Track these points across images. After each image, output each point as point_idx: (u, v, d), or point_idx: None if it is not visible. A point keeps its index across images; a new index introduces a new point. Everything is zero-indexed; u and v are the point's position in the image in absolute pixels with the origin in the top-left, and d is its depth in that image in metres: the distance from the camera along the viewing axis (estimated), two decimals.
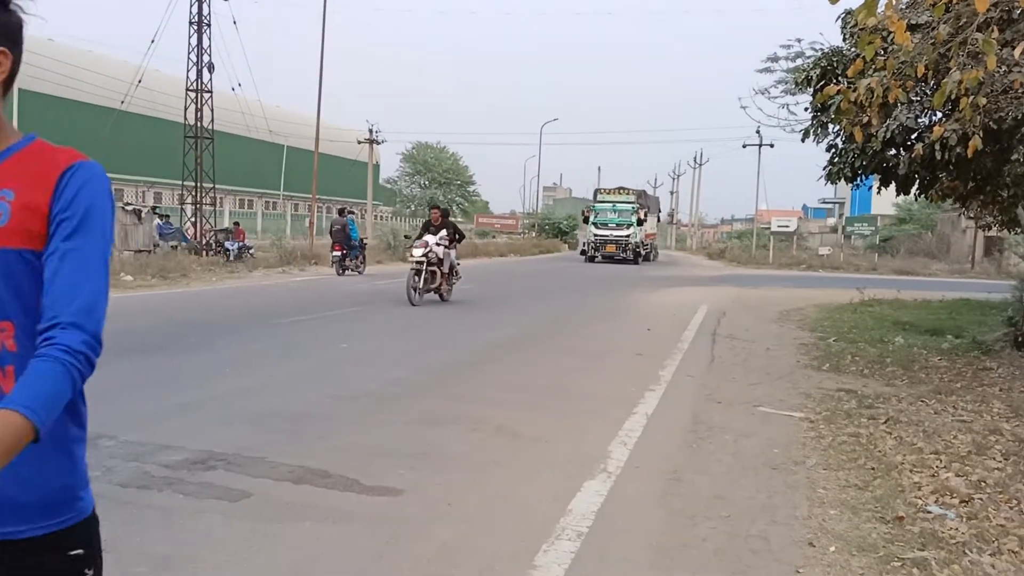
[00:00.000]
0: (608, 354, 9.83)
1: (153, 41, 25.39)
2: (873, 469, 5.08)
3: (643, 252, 38.94)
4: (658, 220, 51.66)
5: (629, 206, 38.60)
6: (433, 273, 14.46)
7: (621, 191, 40.23)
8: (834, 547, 3.88)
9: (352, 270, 22.27)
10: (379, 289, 18.31)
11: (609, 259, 37.31)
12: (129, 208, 22.95)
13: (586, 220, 40.80)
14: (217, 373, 7.57)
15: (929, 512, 4.35)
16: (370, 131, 46.30)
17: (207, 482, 4.40)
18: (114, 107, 33.49)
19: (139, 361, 8.01)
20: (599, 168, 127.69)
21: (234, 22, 26.79)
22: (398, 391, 7.06)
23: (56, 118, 50.79)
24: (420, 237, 14.91)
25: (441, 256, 14.60)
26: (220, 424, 5.63)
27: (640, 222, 38.23)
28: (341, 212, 23.17)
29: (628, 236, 37.47)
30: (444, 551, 3.70)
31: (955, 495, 4.59)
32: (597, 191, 41.52)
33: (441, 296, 14.97)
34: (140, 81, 26.56)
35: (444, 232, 14.80)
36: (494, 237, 64.01)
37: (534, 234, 61.28)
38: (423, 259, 14.29)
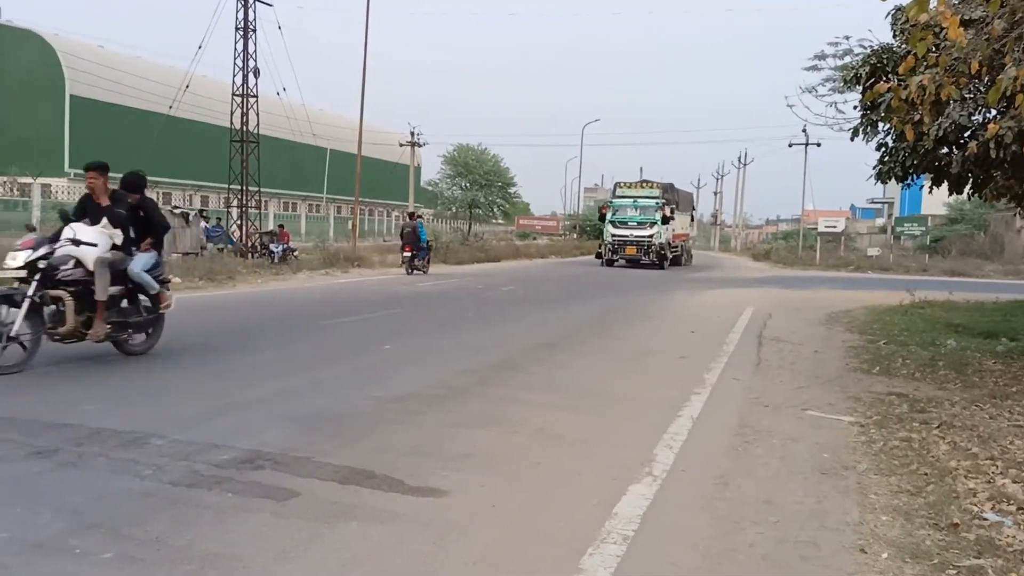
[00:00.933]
0: (651, 356, 9.75)
1: (200, 47, 25.85)
2: (926, 475, 4.97)
3: (669, 255, 34.16)
4: (692, 219, 45.09)
5: (652, 202, 33.59)
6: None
7: (644, 184, 35.14)
8: (886, 554, 3.79)
9: (419, 270, 24.40)
10: (418, 291, 18.42)
11: (631, 263, 33.41)
12: (177, 212, 23.38)
13: (603, 218, 35.64)
14: (263, 374, 7.66)
15: (985, 519, 4.23)
16: (412, 133, 46.62)
17: (255, 481, 4.46)
18: (162, 112, 34.14)
19: (188, 361, 8.15)
20: (641, 168, 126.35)
21: (279, 27, 27.20)
22: (440, 392, 7.08)
23: (106, 124, 52.01)
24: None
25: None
26: (267, 424, 5.69)
27: (666, 220, 33.27)
28: (411, 216, 26.18)
29: (651, 236, 32.94)
30: (489, 553, 3.69)
31: (1012, 502, 4.46)
32: (616, 185, 35.90)
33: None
34: (188, 87, 27.06)
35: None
36: (535, 239, 63.97)
37: (575, 235, 61.07)
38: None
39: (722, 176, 79.89)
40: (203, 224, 25.32)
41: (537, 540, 3.89)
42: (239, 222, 26.98)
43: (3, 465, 4.56)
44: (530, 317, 13.80)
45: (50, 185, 37.26)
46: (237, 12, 25.88)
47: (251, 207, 26.90)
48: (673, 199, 35.72)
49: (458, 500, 4.35)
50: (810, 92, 11.65)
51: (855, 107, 9.83)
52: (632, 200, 34.15)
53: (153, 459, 4.74)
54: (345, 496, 4.31)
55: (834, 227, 47.94)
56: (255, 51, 25.96)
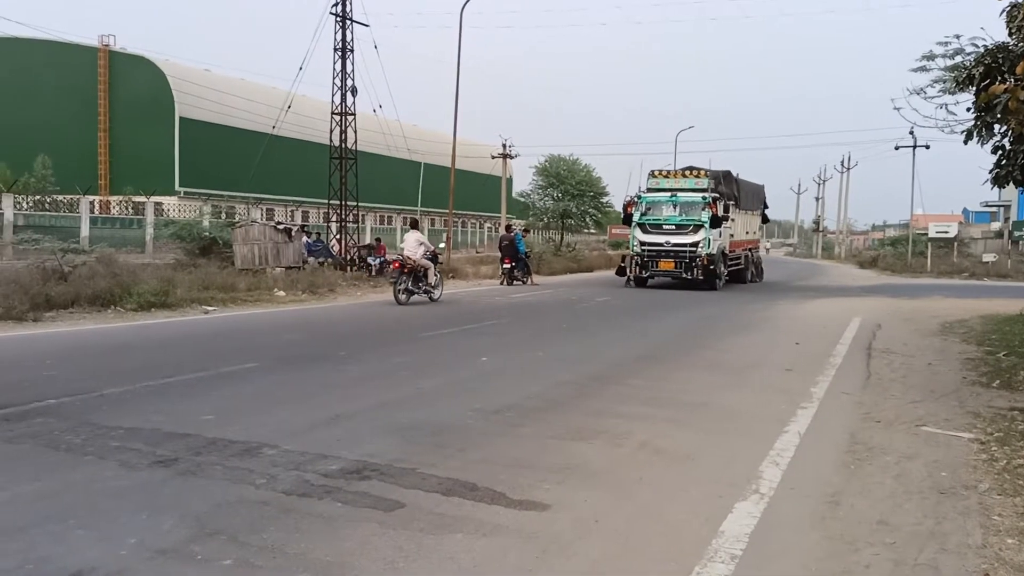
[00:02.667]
0: (754, 369, 9.52)
1: (301, 68, 26.92)
2: None
3: (724, 269, 25.13)
4: (764, 220, 33.81)
5: (698, 197, 24.07)
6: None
7: (688, 173, 25.25)
8: None
9: (519, 280, 25.54)
10: (514, 303, 18.51)
11: (670, 279, 24.61)
12: (280, 227, 24.22)
13: (627, 219, 25.57)
14: (366, 385, 7.85)
15: None
16: (504, 145, 47.02)
17: (363, 491, 4.56)
18: (265, 132, 35.46)
19: (296, 373, 8.43)
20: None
21: (375, 46, 27.93)
22: (539, 405, 7.09)
23: (213, 144, 54.47)
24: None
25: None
26: (372, 435, 5.82)
27: (717, 220, 23.82)
28: (508, 228, 27.57)
29: (695, 244, 23.65)
30: (594, 569, 3.67)
31: None
32: (650, 175, 25.90)
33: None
34: (290, 107, 28.05)
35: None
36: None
37: None
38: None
39: (824, 181, 77.46)
40: (304, 239, 26.16)
41: (643, 557, 3.84)
42: (338, 236, 27.76)
43: (130, 473, 4.81)
44: (626, 328, 13.68)
45: (162, 203, 39.18)
46: (336, 33, 26.70)
47: (349, 221, 27.65)
48: (730, 192, 26.36)
49: (561, 514, 4.34)
50: (918, 94, 11.16)
51: (968, 109, 9.36)
52: (669, 194, 24.58)
53: (266, 468, 4.92)
54: (449, 508, 4.37)
55: (946, 232, 45.77)
56: (353, 70, 26.72)
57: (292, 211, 51.64)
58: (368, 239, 32.92)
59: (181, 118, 54.81)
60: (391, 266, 18.77)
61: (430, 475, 4.89)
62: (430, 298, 17.82)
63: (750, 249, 29.92)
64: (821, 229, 78.15)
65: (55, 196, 36.24)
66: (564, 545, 3.92)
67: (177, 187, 52.67)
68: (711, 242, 23.63)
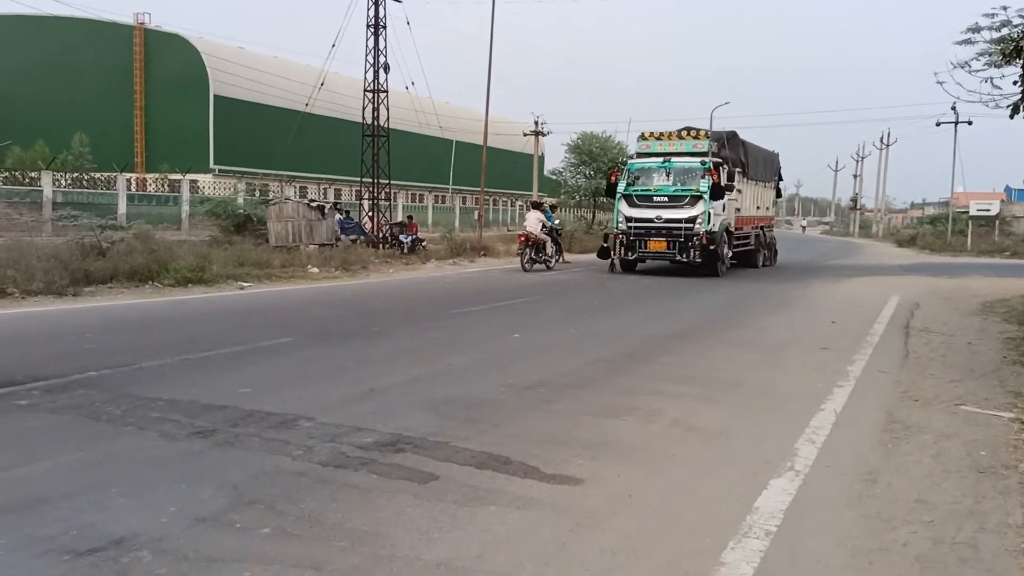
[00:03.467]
0: (789, 347, 9.42)
1: (334, 45, 26.94)
2: None
3: (728, 251, 21.18)
4: (778, 193, 28.83)
5: (696, 162, 20.06)
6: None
7: (685, 134, 20.90)
8: None
9: (544, 262, 23.81)
10: (545, 280, 18.48)
11: (665, 261, 20.78)
12: (313, 204, 24.37)
13: (610, 190, 21.61)
14: (400, 360, 7.91)
15: None
16: (536, 123, 46.78)
17: (397, 463, 4.60)
18: (299, 110, 35.63)
19: (330, 348, 8.51)
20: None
21: (407, 23, 27.85)
22: (571, 381, 7.09)
23: (247, 122, 54.84)
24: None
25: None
26: (405, 409, 5.86)
27: (718, 191, 19.72)
28: (537, 205, 25.33)
29: (692, 220, 19.62)
30: (628, 543, 3.67)
31: None
32: (640, 137, 21.79)
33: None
34: (323, 84, 28.13)
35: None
36: None
37: None
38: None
39: (862, 158, 76.09)
40: (337, 216, 26.31)
41: (676, 532, 3.84)
42: (370, 214, 27.87)
43: (169, 443, 4.90)
44: (658, 306, 13.61)
45: (197, 181, 39.60)
46: (368, 10, 26.65)
47: (381, 199, 27.74)
48: (736, 158, 22.25)
49: (594, 489, 4.35)
50: (962, 67, 10.86)
51: (1015, 82, 9.12)
52: (661, 160, 20.59)
53: (302, 440, 4.98)
54: (482, 481, 4.39)
55: (987, 210, 44.76)
56: (385, 47, 26.67)
57: (325, 189, 51.95)
58: (400, 217, 33.04)
59: (215, 96, 55.21)
60: (518, 240, 22.96)
61: (463, 448, 4.91)
62: (547, 266, 21.91)
63: (762, 227, 25.45)
64: (859, 207, 76.90)
65: (93, 174, 36.82)
66: (598, 519, 3.92)
67: (212, 165, 53.20)
68: (711, 217, 19.53)
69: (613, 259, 20.97)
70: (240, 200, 31.31)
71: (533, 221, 21.89)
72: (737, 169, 22.00)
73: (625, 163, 21.62)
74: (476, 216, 31.14)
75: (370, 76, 26.78)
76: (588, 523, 3.87)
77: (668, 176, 20.30)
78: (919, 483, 4.59)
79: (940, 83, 12.62)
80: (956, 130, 44.26)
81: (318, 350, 8.40)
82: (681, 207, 19.76)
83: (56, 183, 29.84)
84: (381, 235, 26.74)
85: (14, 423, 5.27)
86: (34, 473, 4.33)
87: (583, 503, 4.13)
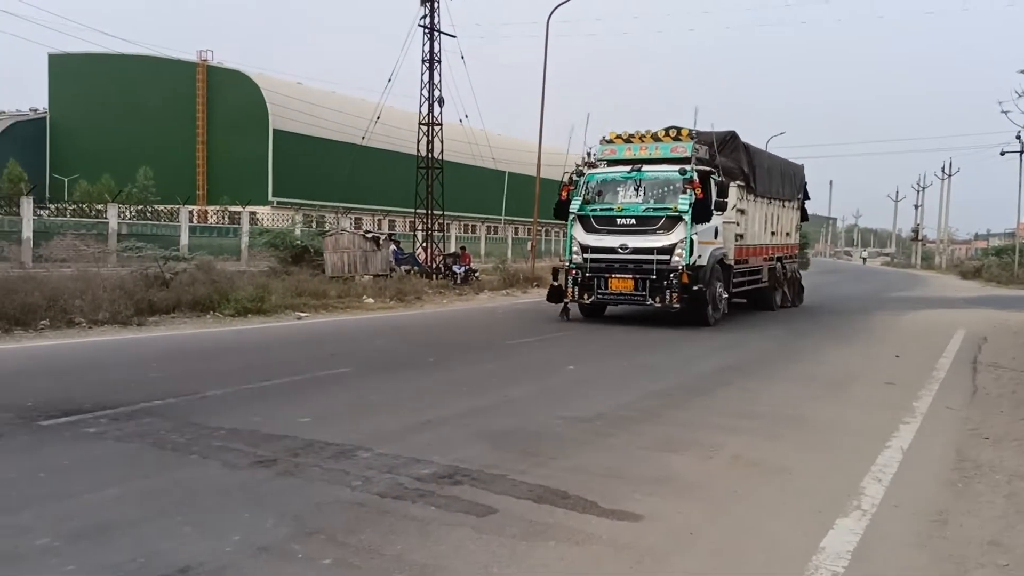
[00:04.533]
0: (851, 382, 9.21)
1: (390, 80, 27.36)
2: None
3: (718, 291, 15.39)
4: (802, 216, 22.62)
5: (675, 170, 14.68)
6: None
7: (665, 135, 15.39)
8: None
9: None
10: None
11: (632, 306, 15.58)
12: (368, 235, 24.72)
13: (561, 210, 15.74)
14: (455, 392, 7.92)
15: None
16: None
17: (455, 496, 4.60)
18: (354, 142, 36.24)
19: (386, 379, 8.58)
20: (831, 182, 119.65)
21: (461, 57, 28.27)
22: (628, 415, 7.02)
23: (304, 155, 56.10)
24: None
25: None
26: (462, 441, 5.87)
27: (705, 210, 14.39)
28: None
29: (668, 249, 14.37)
30: None
31: None
32: (603, 139, 16.33)
33: None
34: (379, 118, 28.64)
35: None
36: None
37: None
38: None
39: (923, 188, 74.45)
40: (392, 247, 26.66)
41: (741, 571, 3.76)
42: (424, 244, 28.17)
43: (232, 472, 4.97)
44: (713, 339, 13.43)
45: (256, 213, 40.55)
46: (423, 45, 27.15)
47: (435, 230, 28.03)
48: (735, 167, 16.92)
49: (654, 525, 4.28)
50: None
51: None
52: (629, 170, 15.16)
53: (361, 471, 5.01)
54: (540, 515, 4.36)
55: None
56: (440, 81, 27.10)
57: (379, 220, 52.74)
58: (453, 247, 33.30)
59: (274, 130, 56.65)
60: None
61: (521, 482, 4.89)
62: None
63: (780, 258, 19.85)
64: (920, 238, 75.11)
65: (156, 206, 37.93)
66: (659, 557, 3.86)
67: (270, 197, 54.44)
68: (695, 246, 14.20)
69: (565, 303, 15.26)
70: (297, 231, 31.94)
71: None
72: (737, 182, 16.52)
73: (582, 173, 15.61)
74: (529, 247, 31.19)
75: (425, 109, 27.20)
76: (649, 561, 3.81)
77: (638, 190, 14.85)
78: (992, 524, 4.43)
79: (1005, 112, 12.29)
80: (1021, 159, 43.03)
81: (375, 380, 8.47)
82: (653, 232, 14.29)
83: (121, 215, 30.82)
84: (434, 266, 26.98)
85: (83, 450, 5.41)
86: (103, 500, 4.43)
87: (643, 540, 4.07)
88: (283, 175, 55.94)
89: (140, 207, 36.51)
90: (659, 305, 14.31)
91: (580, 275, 15.00)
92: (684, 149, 14.80)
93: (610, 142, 15.93)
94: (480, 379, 8.72)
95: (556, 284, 15.63)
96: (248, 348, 10.87)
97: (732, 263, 16.22)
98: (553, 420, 6.69)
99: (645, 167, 14.98)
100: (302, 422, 6.25)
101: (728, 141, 17.07)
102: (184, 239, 30.64)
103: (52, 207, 35.72)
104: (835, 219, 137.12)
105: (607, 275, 14.74)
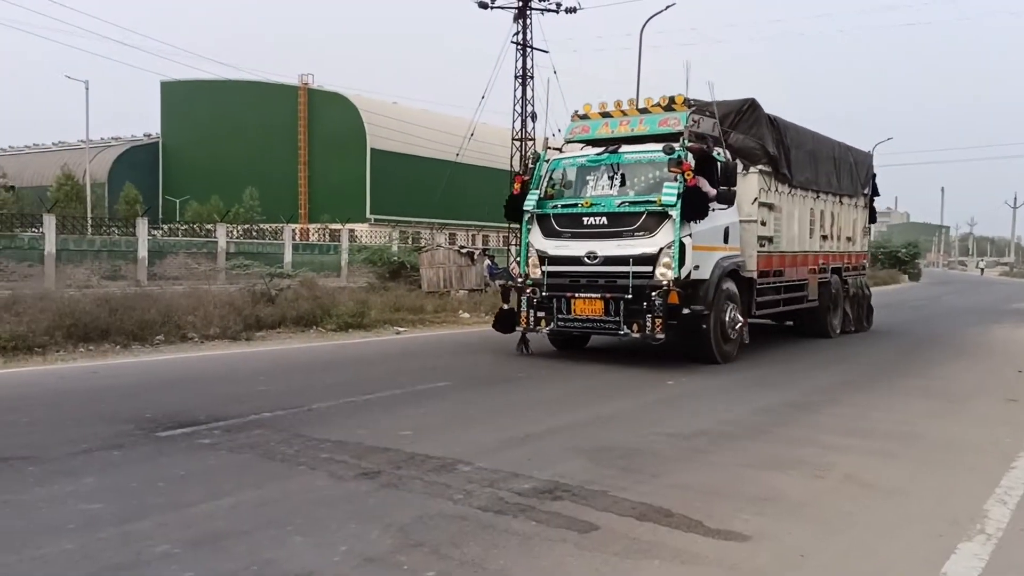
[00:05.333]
0: (969, 398, 8.74)
1: (483, 97, 27.82)
2: None
3: (732, 315, 11.06)
4: (871, 217, 17.80)
5: (658, 152, 10.38)
6: None
7: (653, 105, 11.21)
8: None
9: None
10: None
11: (604, 335, 11.63)
12: (463, 251, 25.03)
13: (513, 208, 11.77)
14: (552, 406, 7.91)
15: None
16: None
17: (556, 512, 4.58)
18: (449, 159, 36.86)
19: (484, 393, 8.65)
20: (942, 189, 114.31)
21: (554, 72, 28.47)
22: (731, 431, 6.85)
23: (400, 173, 57.41)
24: None
25: None
26: (561, 456, 5.85)
27: (699, 202, 10.22)
28: None
29: (650, 259, 10.25)
30: None
31: None
32: (574, 115, 12.11)
33: None
34: (472, 134, 29.07)
35: None
36: None
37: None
38: None
39: None
40: (486, 262, 26.90)
41: None
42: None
43: (338, 484, 5.09)
44: (820, 353, 12.99)
45: (355, 230, 41.66)
46: (516, 61, 27.45)
47: None
48: (755, 147, 12.31)
49: (763, 546, 4.15)
50: None
51: None
52: (601, 153, 11.35)
53: (462, 484, 5.05)
54: (644, 533, 4.29)
55: None
56: (532, 96, 27.33)
57: (473, 235, 53.41)
58: None
59: (372, 149, 58.22)
60: None
61: (622, 499, 4.83)
62: None
63: (838, 270, 15.47)
64: None
65: (261, 225, 39.47)
66: None
67: (368, 214, 55.88)
68: (687, 252, 10.22)
69: (521, 331, 11.47)
70: (394, 247, 32.68)
71: None
72: (759, 166, 12.18)
73: (543, 159, 11.78)
74: None
75: (517, 125, 27.46)
76: None
77: (613, 179, 11.10)
78: None
79: None
80: None
81: (473, 394, 8.55)
82: (631, 235, 10.41)
83: (229, 234, 32.20)
84: None
85: (199, 460, 5.64)
86: (218, 509, 4.60)
87: (752, 561, 3.95)
88: (380, 193, 57.42)
89: (246, 226, 38.09)
90: (637, 335, 10.20)
91: (536, 297, 11.08)
92: (677, 121, 10.75)
93: (583, 117, 11.98)
94: (577, 393, 8.68)
95: (506, 308, 11.58)
96: (350, 362, 11.14)
97: (754, 275, 12.01)
98: (653, 436, 6.59)
99: (624, 148, 11.04)
100: (404, 435, 6.35)
101: (745, 112, 12.46)
102: (288, 256, 31.75)
103: (165, 227, 37.62)
104: (948, 228, 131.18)
105: (569, 294, 10.70)
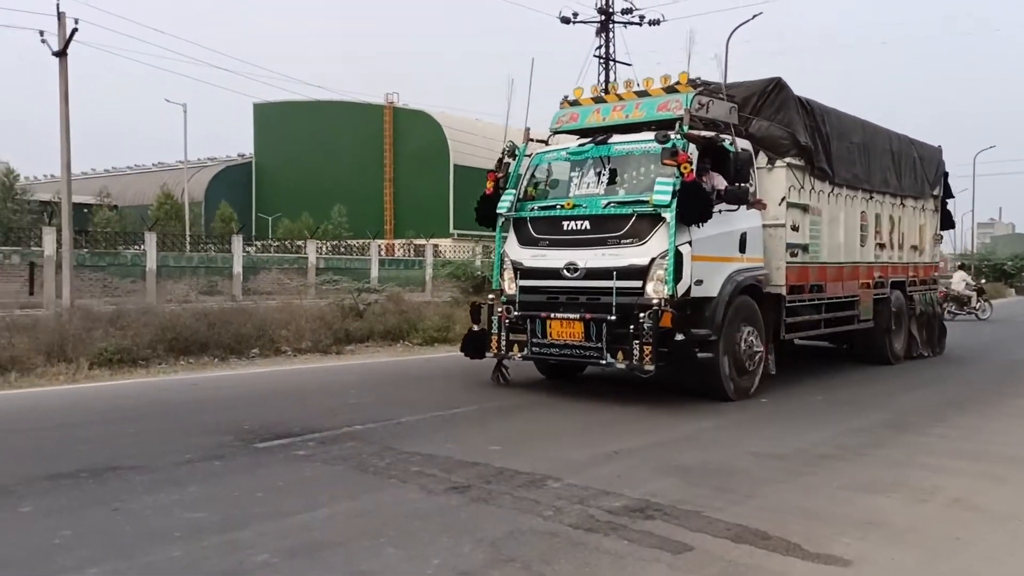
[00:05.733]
0: None
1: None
2: None
3: (750, 341, 9.08)
4: (945, 222, 15.43)
5: (650, 143, 8.73)
6: None
7: (652, 87, 9.35)
8: None
9: None
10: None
11: (576, 359, 9.09)
12: None
13: (485, 214, 10.07)
14: (641, 423, 7.81)
15: None
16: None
17: (647, 531, 4.51)
18: None
19: (571, 408, 8.62)
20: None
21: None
22: (826, 452, 6.65)
23: (482, 187, 57.94)
24: None
25: None
26: (651, 474, 5.77)
27: (701, 203, 8.29)
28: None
29: (638, 271, 8.46)
30: None
31: None
32: (563, 101, 10.24)
33: None
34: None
35: None
36: None
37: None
38: None
39: None
40: None
41: None
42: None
43: (429, 497, 5.15)
44: (920, 372, 12.48)
45: (438, 245, 42.23)
46: (599, 75, 27.43)
47: None
48: (784, 134, 10.12)
49: (865, 571, 4.01)
50: None
51: None
52: (586, 144, 9.44)
53: (552, 501, 5.04)
54: (740, 555, 4.19)
55: None
56: None
57: None
58: None
59: (455, 165, 59.00)
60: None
61: (716, 519, 4.73)
62: (976, 316, 24.71)
63: (901, 284, 13.33)
64: None
65: (349, 241, 40.42)
66: None
67: (451, 229, 56.56)
68: (684, 263, 8.40)
69: (495, 356, 9.59)
70: (477, 262, 32.94)
71: (957, 280, 25.38)
72: (788, 159, 10.09)
73: (515, 154, 10.23)
74: None
75: None
76: None
77: (601, 174, 9.23)
78: None
79: None
80: None
81: (561, 409, 8.52)
82: (616, 243, 8.70)
83: (318, 250, 33.08)
84: None
85: (295, 471, 5.79)
86: (314, 520, 4.71)
87: None
88: (463, 208, 57.96)
89: (335, 242, 39.06)
90: (622, 365, 8.37)
91: (509, 320, 9.33)
92: (679, 104, 8.90)
93: (573, 103, 10.10)
94: (658, 411, 8.51)
95: (476, 329, 9.72)
96: (436, 376, 11.27)
97: (783, 291, 9.91)
98: (745, 455, 6.44)
99: (616, 138, 9.25)
100: (492, 450, 6.37)
101: (770, 94, 10.30)
102: (374, 271, 32.41)
103: (258, 244, 38.94)
104: None
105: (544, 314, 8.97)
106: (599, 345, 8.47)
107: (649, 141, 8.73)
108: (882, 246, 12.79)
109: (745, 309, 9.15)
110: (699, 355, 8.31)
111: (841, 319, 11.54)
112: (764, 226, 9.69)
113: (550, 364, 10.11)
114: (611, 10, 30.19)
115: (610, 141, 9.23)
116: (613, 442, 6.82)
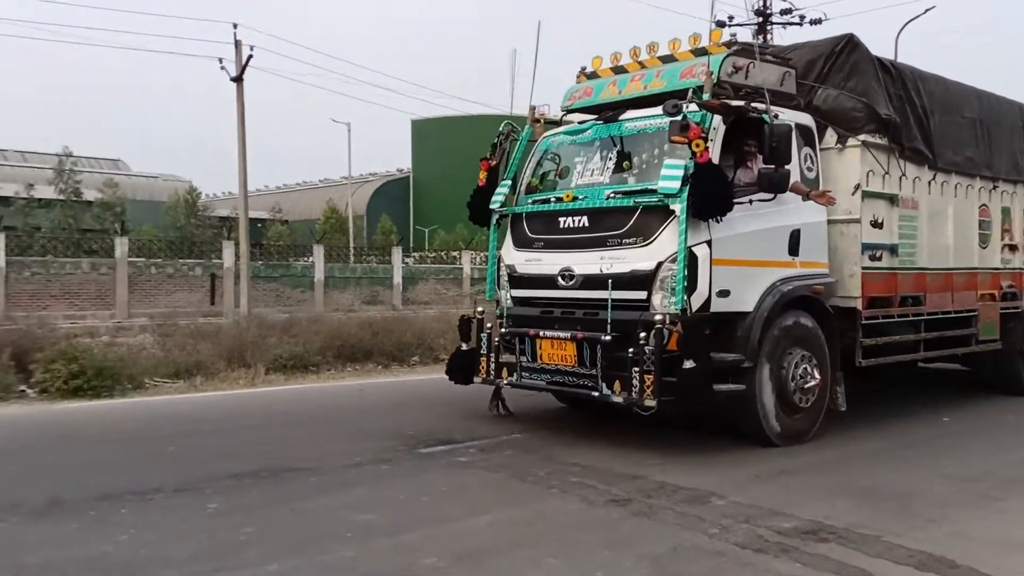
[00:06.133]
0: None
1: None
2: None
3: (789, 372, 6.92)
4: None
5: (661, 119, 6.66)
6: None
7: (679, 51, 7.35)
8: None
9: None
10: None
11: (566, 388, 7.21)
12: None
13: (478, 209, 8.47)
14: (806, 442, 7.42)
15: None
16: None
17: (822, 554, 4.29)
18: None
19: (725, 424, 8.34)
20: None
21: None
22: (1019, 475, 6.13)
23: None
24: None
25: None
26: (822, 494, 5.48)
27: (711, 192, 6.31)
28: None
29: (641, 279, 6.59)
30: None
31: None
32: (580, 74, 8.38)
33: None
34: None
35: None
36: None
37: None
38: None
39: None
40: None
41: None
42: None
43: (589, 508, 5.13)
44: None
45: None
46: None
47: None
48: (858, 104, 7.84)
49: None
50: None
51: None
52: (595, 122, 7.63)
53: (717, 518, 4.88)
54: None
55: None
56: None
57: None
58: None
59: None
60: None
61: (897, 545, 4.43)
62: None
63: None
64: None
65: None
66: None
67: None
68: (699, 268, 6.48)
69: (492, 381, 7.86)
70: None
71: None
72: (864, 136, 7.86)
73: (512, 136, 8.63)
74: None
75: None
76: None
77: (606, 160, 7.44)
78: None
79: None
80: None
81: (712, 424, 8.25)
82: (616, 243, 6.88)
83: (472, 261, 33.82)
84: None
85: (457, 478, 5.92)
86: (477, 526, 4.80)
87: None
88: None
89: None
90: (619, 399, 6.52)
91: (503, 330, 7.69)
92: (705, 69, 6.87)
93: (591, 76, 8.25)
94: (827, 428, 8.05)
95: (464, 348, 8.03)
96: None
97: (858, 305, 7.73)
98: (927, 477, 6.01)
99: (627, 114, 7.39)
100: (652, 463, 6.26)
101: (839, 55, 8.18)
102: None
103: (415, 255, 40.29)
104: None
105: (534, 331, 7.28)
106: (592, 372, 6.74)
107: (663, 116, 6.61)
108: (1012, 248, 10.07)
109: (796, 328, 7.12)
110: (718, 388, 6.41)
111: (952, 339, 9.04)
112: (830, 221, 7.60)
113: (536, 386, 7.56)
114: (769, 11, 29.18)
115: (621, 117, 7.36)
116: (777, 459, 6.53)
